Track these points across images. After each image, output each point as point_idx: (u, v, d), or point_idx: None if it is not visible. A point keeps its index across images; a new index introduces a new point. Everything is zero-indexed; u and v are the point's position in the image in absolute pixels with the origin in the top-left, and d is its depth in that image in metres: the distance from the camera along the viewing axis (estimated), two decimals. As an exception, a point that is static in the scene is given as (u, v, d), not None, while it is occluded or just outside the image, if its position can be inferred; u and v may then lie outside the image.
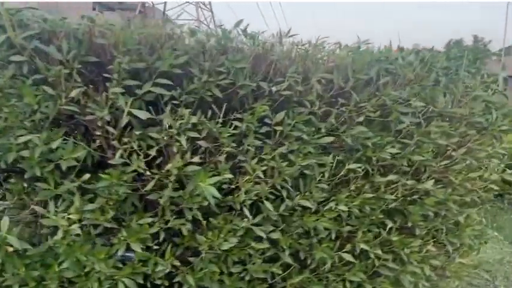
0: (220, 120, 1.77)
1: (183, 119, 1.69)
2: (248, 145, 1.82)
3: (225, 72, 1.77)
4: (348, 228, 2.07)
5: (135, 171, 1.68)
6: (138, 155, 1.67)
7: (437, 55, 2.22)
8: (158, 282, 1.80)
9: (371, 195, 2.04)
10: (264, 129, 1.86)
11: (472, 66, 2.35)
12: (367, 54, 2.03)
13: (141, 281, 1.75)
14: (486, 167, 2.39)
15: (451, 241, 2.37)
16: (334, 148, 2.05)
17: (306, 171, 1.94)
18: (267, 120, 1.85)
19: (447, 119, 2.24)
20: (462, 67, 2.33)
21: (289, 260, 1.96)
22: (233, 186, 1.84)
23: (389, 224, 2.15)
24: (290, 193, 1.94)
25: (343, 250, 2.05)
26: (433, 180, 2.18)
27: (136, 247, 1.68)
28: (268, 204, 1.85)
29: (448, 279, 2.44)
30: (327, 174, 1.97)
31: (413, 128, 2.13)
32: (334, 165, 2.00)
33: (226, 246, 1.81)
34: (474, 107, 2.29)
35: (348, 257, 2.04)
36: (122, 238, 1.68)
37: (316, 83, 1.91)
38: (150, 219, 1.74)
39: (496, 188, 2.48)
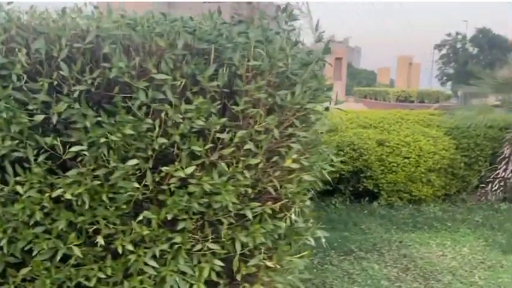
0: None
1: None
2: None
3: None
4: (82, 218, 1.84)
5: None
6: None
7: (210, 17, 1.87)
8: None
9: (99, 182, 1.79)
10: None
11: (262, 31, 1.95)
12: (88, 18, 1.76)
13: None
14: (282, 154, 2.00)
15: (241, 240, 2.02)
16: (71, 128, 1.82)
17: (18, 154, 1.74)
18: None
19: (218, 96, 1.90)
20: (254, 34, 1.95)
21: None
22: None
23: (140, 216, 1.88)
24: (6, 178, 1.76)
25: (73, 243, 1.82)
26: (193, 168, 1.86)
27: None
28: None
29: (242, 284, 2.08)
30: (41, 157, 1.75)
31: (161, 106, 1.83)
32: (61, 147, 1.78)
33: None
34: (258, 80, 1.92)
35: (77, 251, 1.81)
36: None
37: (21, 53, 1.69)
38: None
39: (308, 179, 2.08)
